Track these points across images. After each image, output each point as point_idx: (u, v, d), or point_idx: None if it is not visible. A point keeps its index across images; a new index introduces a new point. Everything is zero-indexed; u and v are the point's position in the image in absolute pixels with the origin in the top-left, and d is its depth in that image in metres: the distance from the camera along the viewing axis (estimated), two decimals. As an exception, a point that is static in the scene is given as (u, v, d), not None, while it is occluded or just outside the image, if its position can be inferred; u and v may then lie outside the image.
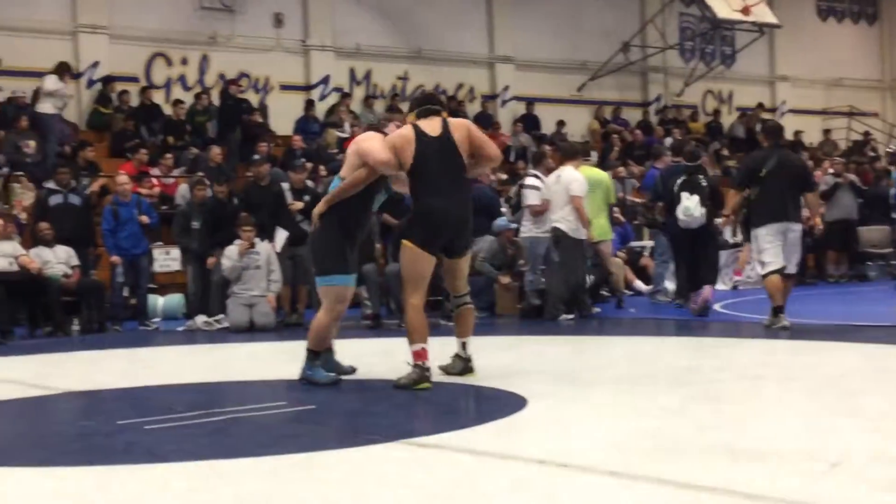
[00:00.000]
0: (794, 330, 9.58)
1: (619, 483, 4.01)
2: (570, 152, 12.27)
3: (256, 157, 14.58)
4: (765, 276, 9.95)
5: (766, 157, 10.02)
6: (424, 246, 6.80)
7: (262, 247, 12.00)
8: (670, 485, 3.92)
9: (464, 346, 7.16)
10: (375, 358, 8.73)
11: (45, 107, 16.77)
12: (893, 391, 6.21)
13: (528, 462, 4.40)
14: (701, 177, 11.95)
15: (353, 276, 7.16)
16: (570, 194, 11.54)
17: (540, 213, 12.21)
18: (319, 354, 7.12)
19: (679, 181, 11.93)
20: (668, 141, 21.86)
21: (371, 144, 6.86)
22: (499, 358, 8.69)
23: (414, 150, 6.77)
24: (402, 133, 6.90)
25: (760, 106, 25.23)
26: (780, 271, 9.80)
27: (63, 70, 17.16)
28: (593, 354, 8.92)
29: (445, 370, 7.17)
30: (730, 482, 3.89)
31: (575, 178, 11.67)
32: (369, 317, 11.89)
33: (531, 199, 12.38)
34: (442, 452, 4.73)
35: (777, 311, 9.75)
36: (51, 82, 16.83)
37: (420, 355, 6.74)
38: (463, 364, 7.16)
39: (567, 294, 11.78)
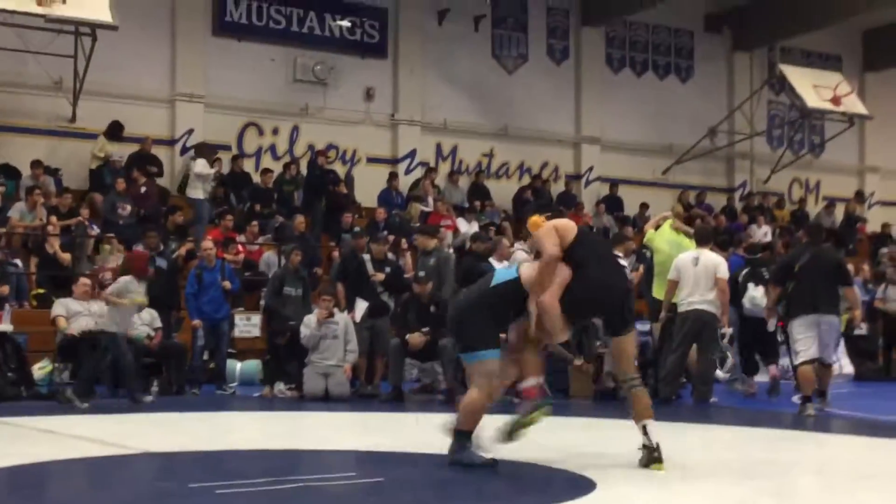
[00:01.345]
0: (874, 428, 9.43)
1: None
2: (707, 236, 12.31)
3: (357, 229, 14.79)
4: (797, 366, 10.54)
5: (801, 254, 10.75)
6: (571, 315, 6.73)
7: (341, 317, 12.13)
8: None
9: (644, 430, 6.69)
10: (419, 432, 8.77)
11: (196, 192, 17.31)
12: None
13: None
14: (763, 269, 12.60)
15: (499, 350, 6.83)
16: (718, 276, 11.60)
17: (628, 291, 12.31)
18: (471, 435, 6.79)
19: (744, 272, 12.78)
20: (754, 228, 21.70)
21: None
22: (571, 439, 8.65)
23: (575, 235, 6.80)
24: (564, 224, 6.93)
25: (859, 195, 24.88)
26: (811, 362, 10.37)
27: (210, 154, 17.79)
28: (667, 441, 8.79)
29: (640, 463, 6.69)
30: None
31: (720, 261, 11.82)
32: (444, 391, 11.94)
33: None
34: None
35: (806, 399, 10.33)
36: (200, 166, 17.40)
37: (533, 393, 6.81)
38: (648, 454, 6.64)
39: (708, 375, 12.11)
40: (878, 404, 12.19)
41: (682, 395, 12.40)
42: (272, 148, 19.89)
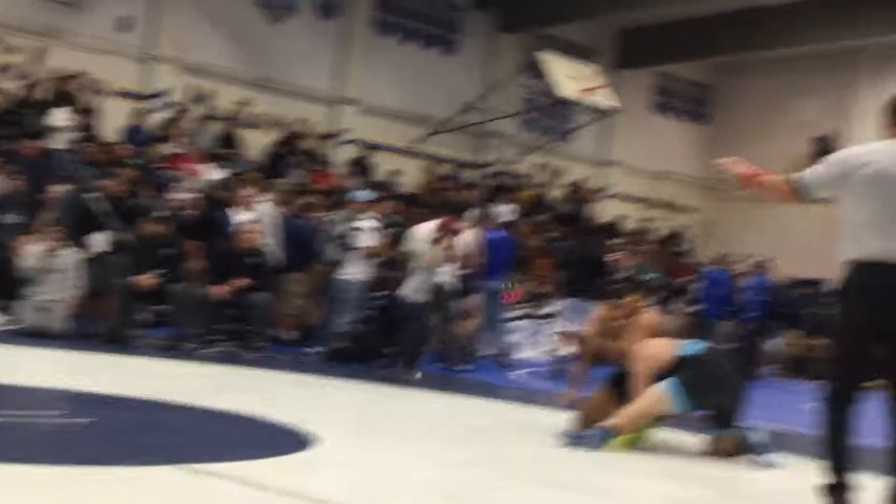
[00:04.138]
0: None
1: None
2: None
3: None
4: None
5: (573, 248, 12.54)
6: None
7: (68, 251, 11.50)
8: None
9: None
10: (166, 379, 8.48)
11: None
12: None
13: (308, 500, 4.27)
14: None
15: None
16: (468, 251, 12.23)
17: (374, 255, 12.43)
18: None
19: None
20: (498, 206, 22.21)
21: None
22: (297, 395, 8.55)
23: None
24: None
25: (580, 182, 25.66)
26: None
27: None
28: (393, 404, 8.85)
29: None
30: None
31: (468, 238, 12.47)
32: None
33: (369, 240, 12.48)
34: (220, 481, 4.56)
35: None
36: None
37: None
38: None
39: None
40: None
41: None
42: (11, 68, 18.62)
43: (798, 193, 4.95)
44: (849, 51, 26.89)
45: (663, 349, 6.95)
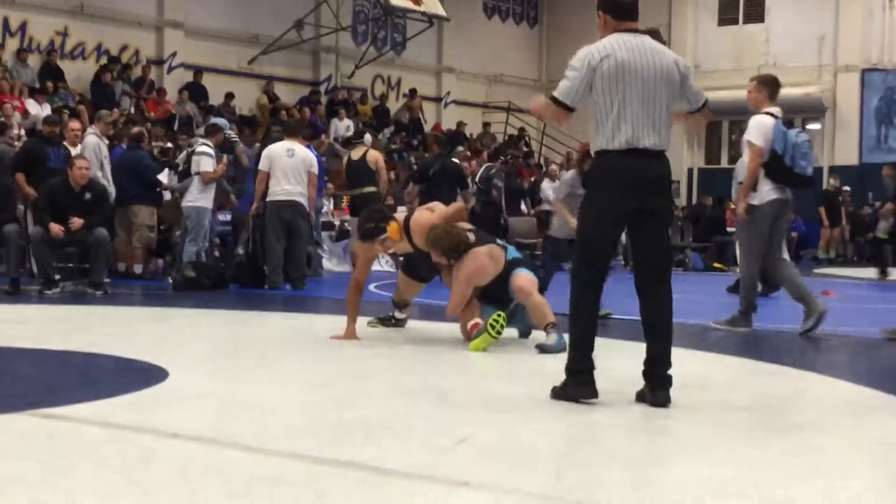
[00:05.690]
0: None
1: (253, 457, 3.95)
2: (296, 128, 13.14)
3: None
4: None
5: (433, 162, 13.48)
6: None
7: None
8: (305, 459, 3.91)
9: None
10: (9, 324, 8.26)
11: None
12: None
13: (161, 435, 4.25)
14: None
15: None
16: (312, 171, 12.37)
17: (212, 180, 12.46)
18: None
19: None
20: (335, 122, 22.10)
21: None
22: (147, 329, 8.45)
23: None
24: None
25: (413, 92, 25.78)
26: None
27: None
28: (244, 329, 8.82)
29: None
30: (362, 456, 3.93)
31: (313, 156, 12.65)
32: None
33: (206, 165, 12.42)
34: (70, 424, 4.49)
35: None
36: None
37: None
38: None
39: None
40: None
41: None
42: None
43: (565, 110, 5.07)
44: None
45: (494, 262, 7.31)
